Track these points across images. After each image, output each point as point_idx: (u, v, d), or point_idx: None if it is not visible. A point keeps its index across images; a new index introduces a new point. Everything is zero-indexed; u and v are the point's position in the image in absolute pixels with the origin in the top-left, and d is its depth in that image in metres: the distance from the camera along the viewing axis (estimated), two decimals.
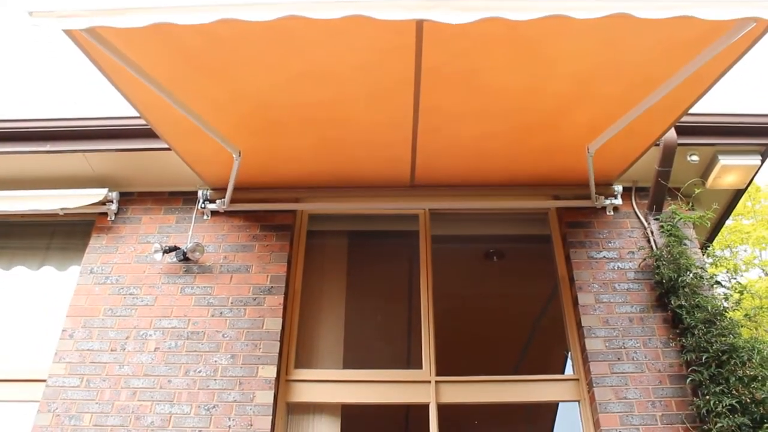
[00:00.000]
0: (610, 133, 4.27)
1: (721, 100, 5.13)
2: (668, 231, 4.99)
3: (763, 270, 13.70)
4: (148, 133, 4.83)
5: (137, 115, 4.23)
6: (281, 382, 4.69)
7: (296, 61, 3.64)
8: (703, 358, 4.32)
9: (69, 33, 3.21)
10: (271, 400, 4.48)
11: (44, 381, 4.66)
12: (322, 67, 3.70)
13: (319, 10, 2.77)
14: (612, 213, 5.25)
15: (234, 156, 4.61)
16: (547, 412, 5.22)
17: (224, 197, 5.19)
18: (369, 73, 3.76)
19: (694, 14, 2.73)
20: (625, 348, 4.61)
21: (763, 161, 5.14)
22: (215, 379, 4.57)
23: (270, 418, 4.42)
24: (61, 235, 5.72)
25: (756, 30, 3.16)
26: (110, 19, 2.80)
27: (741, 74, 3.79)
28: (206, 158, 4.66)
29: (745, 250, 14.20)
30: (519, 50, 3.56)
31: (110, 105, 5.25)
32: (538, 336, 5.98)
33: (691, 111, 4.22)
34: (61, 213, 5.39)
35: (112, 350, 4.74)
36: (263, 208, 5.32)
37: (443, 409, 4.59)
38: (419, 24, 3.30)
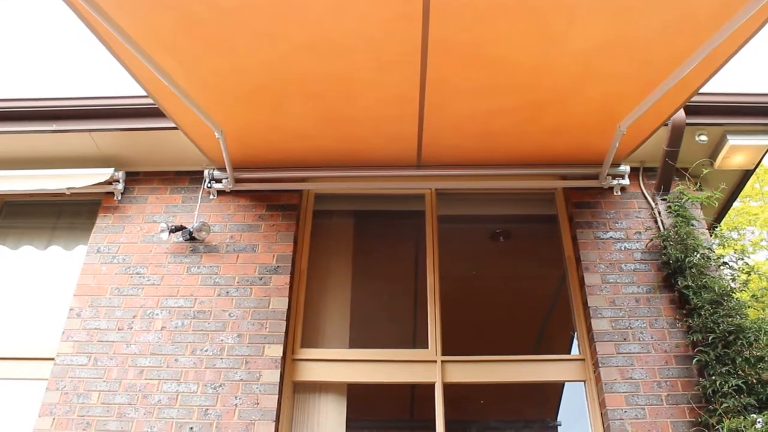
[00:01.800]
0: (640, 110, 4.22)
1: (730, 79, 5.08)
2: (676, 211, 4.97)
3: None
4: (155, 113, 4.82)
5: (144, 94, 4.21)
6: (287, 361, 4.71)
7: (301, 31, 3.59)
8: (710, 338, 4.31)
9: (69, 3, 3.17)
10: (278, 379, 4.50)
11: (52, 359, 4.70)
12: (328, 38, 3.65)
13: None
14: (619, 193, 5.23)
15: (216, 134, 4.58)
16: (553, 391, 5.23)
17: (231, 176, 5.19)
18: (375, 44, 3.70)
19: None
20: (631, 328, 4.61)
21: None
22: (222, 358, 4.59)
23: (276, 396, 4.44)
24: (68, 215, 5.74)
25: None
26: None
27: (749, 53, 3.74)
28: (211, 134, 4.63)
29: (753, 232, 14.15)
30: (528, 23, 3.50)
31: (117, 84, 5.24)
32: (544, 316, 5.97)
33: (700, 90, 4.17)
34: (67, 192, 5.40)
35: (119, 329, 4.76)
36: (269, 188, 5.32)
37: (449, 389, 4.60)
38: None
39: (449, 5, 3.33)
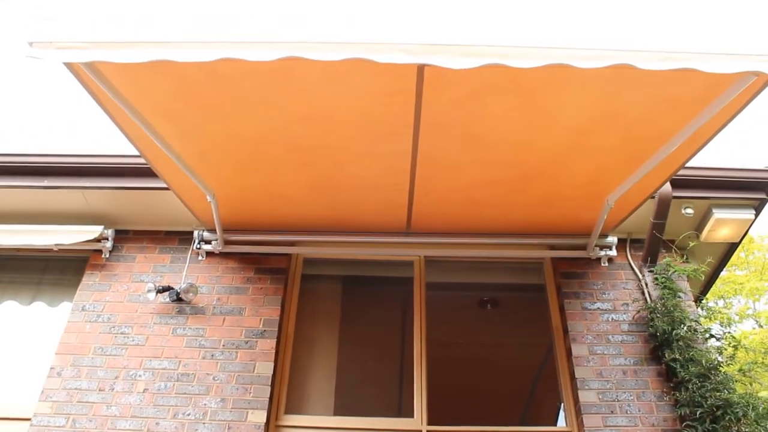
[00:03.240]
0: (627, 185, 4.29)
1: (714, 154, 5.18)
2: (662, 283, 4.99)
3: (757, 321, 13.70)
4: (146, 172, 4.84)
5: (137, 153, 4.23)
6: (271, 428, 4.62)
7: (296, 103, 3.65)
8: (698, 413, 4.28)
9: (70, 67, 3.22)
10: None
11: (29, 420, 4.58)
12: (322, 110, 3.71)
13: (320, 51, 2.77)
14: (606, 264, 5.26)
15: (208, 198, 4.61)
16: None
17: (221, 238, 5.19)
18: (368, 118, 3.77)
19: (697, 67, 2.74)
20: (618, 401, 4.58)
21: (756, 215, 5.18)
22: (204, 423, 4.50)
23: None
24: (54, 271, 5.68)
25: (755, 85, 3.18)
26: (111, 53, 2.80)
27: (734, 128, 3.83)
28: (202, 197, 4.66)
29: (739, 301, 14.21)
30: (519, 101, 3.59)
31: (110, 142, 5.27)
32: (531, 386, 5.93)
33: (686, 164, 4.25)
34: (55, 248, 5.36)
35: (100, 390, 4.67)
36: (258, 251, 5.31)
37: None
38: (420, 69, 3.31)
39: (442, 83, 3.40)
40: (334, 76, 3.40)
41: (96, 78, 3.19)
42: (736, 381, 4.61)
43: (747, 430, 4.17)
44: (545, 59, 2.76)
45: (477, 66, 2.74)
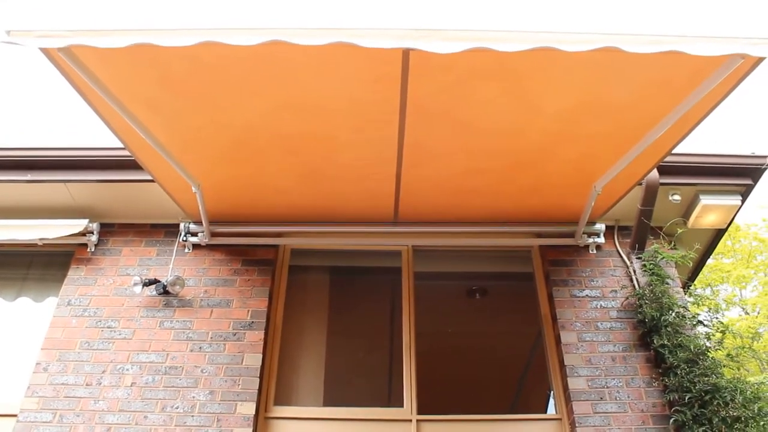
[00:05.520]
0: (615, 171, 4.30)
1: (701, 139, 5.20)
2: (650, 270, 5.01)
3: (744, 308, 13.81)
4: (131, 165, 4.79)
5: (121, 146, 4.19)
6: (260, 420, 4.60)
7: (281, 90, 3.62)
8: (686, 398, 4.30)
9: (50, 57, 3.17)
10: None
11: (15, 416, 4.54)
12: (307, 97, 3.68)
13: (304, 36, 2.74)
14: (594, 251, 5.26)
15: (193, 188, 4.58)
16: None
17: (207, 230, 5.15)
18: (354, 104, 3.74)
19: (683, 50, 2.73)
20: (607, 387, 4.59)
21: (743, 202, 5.20)
22: (193, 416, 4.47)
23: None
24: (39, 266, 5.62)
25: (741, 68, 3.18)
26: (91, 40, 2.76)
27: (721, 115, 3.84)
28: (188, 188, 4.61)
29: (726, 289, 14.33)
30: (506, 85, 3.57)
31: (94, 134, 5.21)
32: (521, 374, 5.94)
33: (673, 151, 4.26)
34: (39, 243, 5.31)
35: (87, 385, 4.63)
36: (245, 243, 5.28)
37: None
38: (406, 54, 3.28)
39: (428, 67, 3.38)
40: (319, 63, 3.37)
41: (74, 65, 3.14)
42: (724, 366, 4.64)
43: (735, 413, 4.20)
44: (531, 42, 2.74)
45: (462, 50, 2.71)
